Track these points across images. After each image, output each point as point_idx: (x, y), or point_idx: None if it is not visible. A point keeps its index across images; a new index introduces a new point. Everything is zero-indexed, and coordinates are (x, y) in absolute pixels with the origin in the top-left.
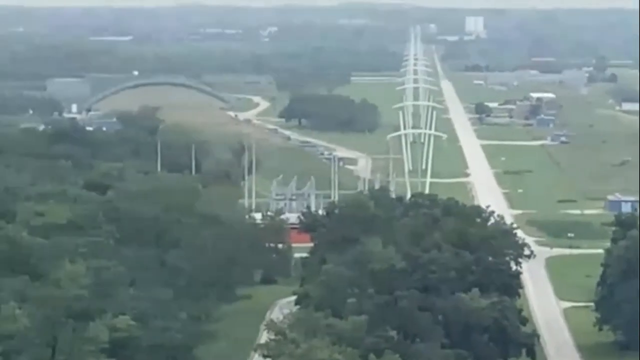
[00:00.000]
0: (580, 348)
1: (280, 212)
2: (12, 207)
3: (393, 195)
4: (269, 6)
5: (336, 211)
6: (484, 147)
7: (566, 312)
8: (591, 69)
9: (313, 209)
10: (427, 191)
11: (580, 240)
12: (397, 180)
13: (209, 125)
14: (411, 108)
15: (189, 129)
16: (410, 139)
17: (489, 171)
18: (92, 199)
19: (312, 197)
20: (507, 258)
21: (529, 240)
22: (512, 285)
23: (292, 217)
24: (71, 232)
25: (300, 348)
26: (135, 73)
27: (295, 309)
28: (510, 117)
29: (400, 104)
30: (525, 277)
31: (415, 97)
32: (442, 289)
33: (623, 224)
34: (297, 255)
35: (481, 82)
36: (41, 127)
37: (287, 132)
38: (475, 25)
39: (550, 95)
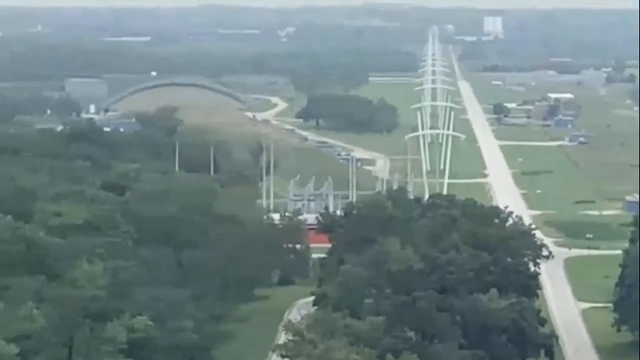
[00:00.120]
0: (599, 349)
1: (298, 212)
2: (29, 207)
3: (411, 196)
4: (286, 7)
5: (354, 212)
6: (502, 147)
7: (585, 313)
8: (609, 69)
9: (331, 209)
10: (445, 192)
11: (598, 240)
12: (415, 180)
13: (226, 125)
14: (429, 108)
15: (207, 129)
16: (428, 139)
17: (507, 171)
18: (110, 199)
19: (330, 198)
20: (526, 259)
21: (547, 241)
22: (530, 286)
23: (310, 218)
24: (88, 233)
25: (318, 348)
26: (153, 74)
27: (313, 309)
28: (528, 117)
29: (418, 105)
30: (544, 278)
31: (433, 98)
32: (460, 290)
33: None
34: (315, 255)
35: (499, 82)
36: (59, 128)
37: (305, 133)
38: (493, 26)
39: (569, 95)
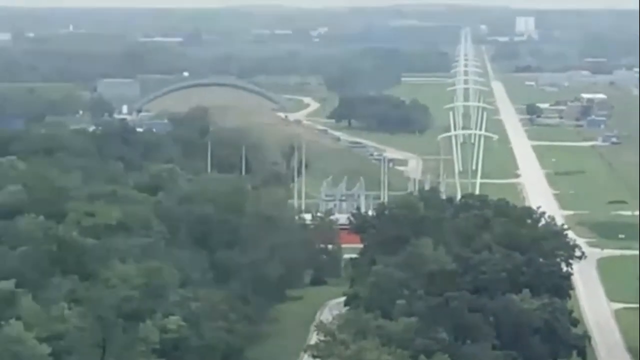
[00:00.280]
0: (631, 350)
1: (330, 213)
2: (62, 208)
3: (443, 196)
4: (318, 7)
5: (386, 212)
6: (534, 147)
7: (617, 314)
8: None
9: (363, 210)
10: (477, 192)
11: (631, 241)
12: (448, 181)
13: (259, 126)
14: (462, 109)
15: (239, 129)
16: (461, 139)
17: (540, 172)
18: (143, 199)
19: (362, 198)
20: (558, 259)
21: (580, 241)
22: (562, 287)
23: (342, 218)
24: (121, 233)
25: (349, 349)
26: (186, 74)
27: (344, 310)
28: (561, 118)
29: (451, 105)
30: (576, 278)
31: (466, 98)
32: (492, 290)
33: None
34: (346, 256)
35: (532, 83)
36: (91, 128)
37: (337, 133)
38: (525, 26)
39: (601, 96)
